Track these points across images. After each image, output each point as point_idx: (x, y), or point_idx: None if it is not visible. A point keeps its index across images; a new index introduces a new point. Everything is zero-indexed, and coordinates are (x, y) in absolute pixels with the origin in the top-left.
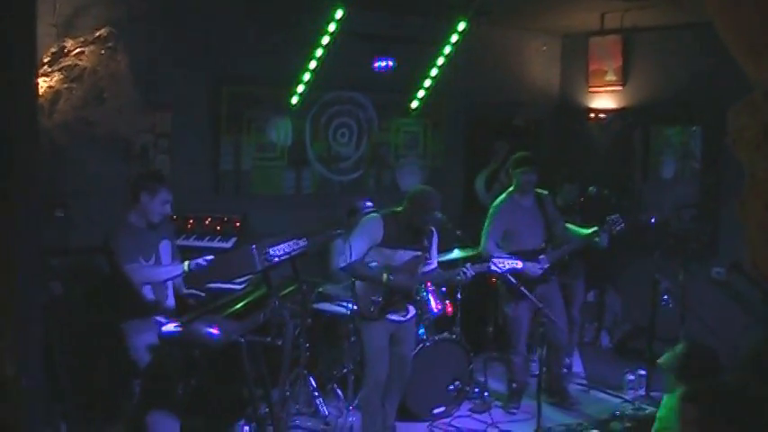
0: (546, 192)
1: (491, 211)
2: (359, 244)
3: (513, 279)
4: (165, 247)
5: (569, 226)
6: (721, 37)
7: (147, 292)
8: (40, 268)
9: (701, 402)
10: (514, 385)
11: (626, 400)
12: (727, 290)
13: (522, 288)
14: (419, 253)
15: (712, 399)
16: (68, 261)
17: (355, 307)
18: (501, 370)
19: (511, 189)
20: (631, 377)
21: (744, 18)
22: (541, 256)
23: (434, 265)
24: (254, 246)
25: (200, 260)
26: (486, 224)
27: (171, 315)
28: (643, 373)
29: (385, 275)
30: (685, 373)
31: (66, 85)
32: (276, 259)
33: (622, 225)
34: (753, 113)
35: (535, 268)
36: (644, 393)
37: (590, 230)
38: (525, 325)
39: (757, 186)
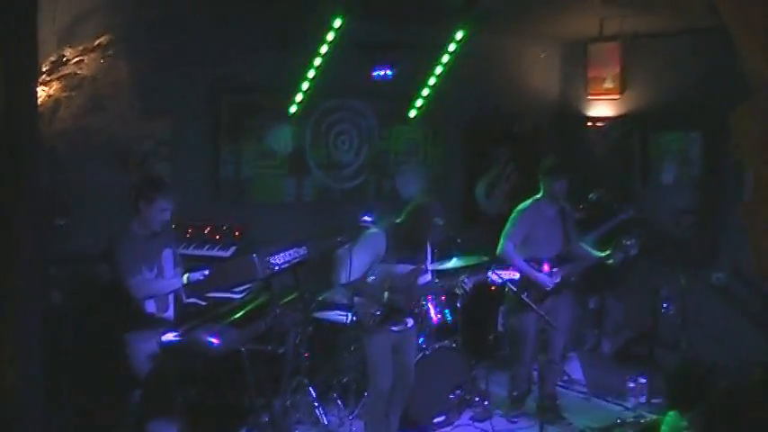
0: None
1: (514, 214)
2: (363, 259)
3: (514, 288)
4: (167, 257)
5: (584, 246)
6: (734, 37)
7: (149, 305)
8: (41, 277)
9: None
10: (515, 393)
11: (627, 408)
12: (728, 295)
13: (524, 297)
14: (416, 265)
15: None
16: (69, 270)
17: (355, 318)
18: (502, 377)
19: (538, 196)
20: (632, 384)
21: (757, 18)
22: (555, 269)
23: (429, 276)
24: (255, 254)
25: (196, 274)
26: (507, 226)
27: (170, 326)
28: (644, 380)
29: (385, 295)
30: (682, 400)
31: (65, 94)
32: (277, 267)
33: (637, 251)
34: (756, 117)
35: (548, 281)
36: (645, 401)
37: (604, 253)
38: (532, 336)
39: (763, 190)
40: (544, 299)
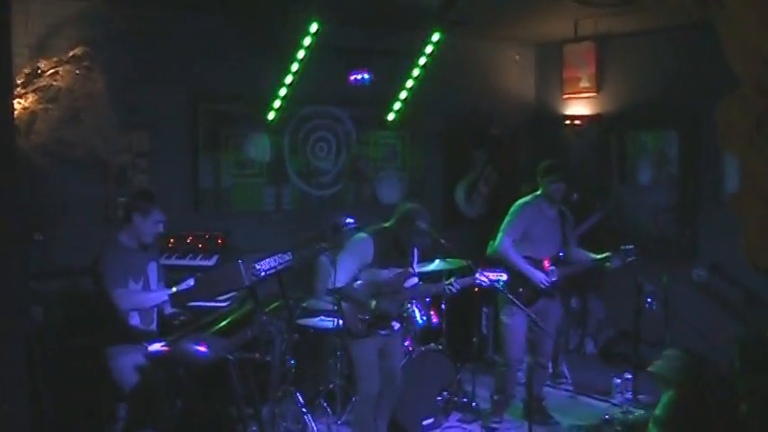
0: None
1: (515, 208)
2: (349, 265)
3: (501, 289)
4: (152, 269)
5: (580, 250)
6: (738, 17)
7: (134, 318)
8: (22, 293)
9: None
10: (496, 397)
11: (614, 405)
12: (708, 291)
13: (513, 298)
14: (403, 269)
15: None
16: (49, 285)
17: (342, 324)
18: (488, 379)
19: (539, 193)
20: (618, 381)
21: None
22: (552, 268)
23: (416, 279)
24: (241, 260)
25: (185, 283)
26: (506, 220)
27: (155, 338)
28: (629, 376)
29: (373, 302)
30: (680, 379)
31: (41, 106)
32: (263, 274)
33: (635, 258)
34: (743, 107)
35: (544, 279)
36: (631, 397)
37: (602, 256)
38: (521, 335)
39: (753, 180)
40: (536, 299)
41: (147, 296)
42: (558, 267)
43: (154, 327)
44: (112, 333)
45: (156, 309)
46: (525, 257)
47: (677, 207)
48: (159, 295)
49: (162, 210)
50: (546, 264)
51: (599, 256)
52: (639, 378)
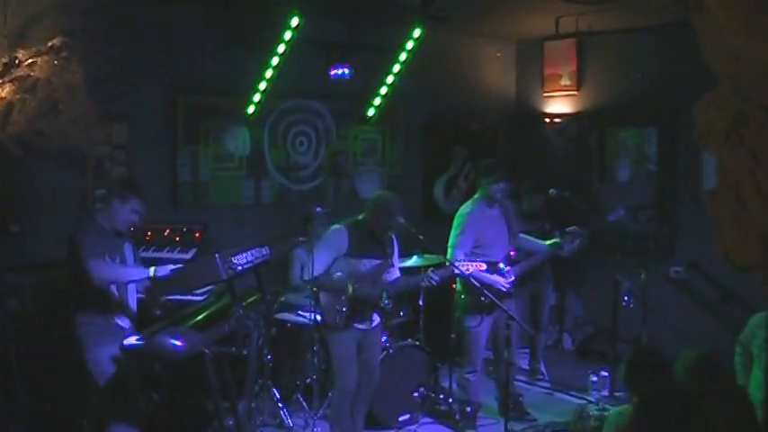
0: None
1: (459, 220)
2: (324, 256)
3: (477, 284)
4: (128, 250)
5: (528, 237)
6: (713, 16)
7: (111, 290)
8: None
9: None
10: (469, 409)
11: (590, 402)
12: (686, 289)
13: (490, 294)
14: (382, 261)
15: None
16: (24, 277)
17: (320, 317)
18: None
19: (476, 196)
20: (595, 378)
21: None
22: (507, 269)
23: (398, 273)
24: (218, 254)
25: (165, 267)
26: (453, 234)
27: (132, 318)
28: (606, 374)
29: (350, 287)
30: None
31: (18, 96)
32: (240, 268)
33: (580, 239)
34: (721, 106)
35: (503, 284)
36: (608, 394)
37: (551, 241)
38: (484, 341)
39: (728, 179)
40: (502, 301)
41: (125, 270)
42: (513, 266)
43: (133, 305)
44: (89, 303)
45: (134, 291)
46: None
47: (656, 204)
48: (138, 272)
49: (142, 200)
50: (501, 265)
51: (549, 242)
52: (616, 375)
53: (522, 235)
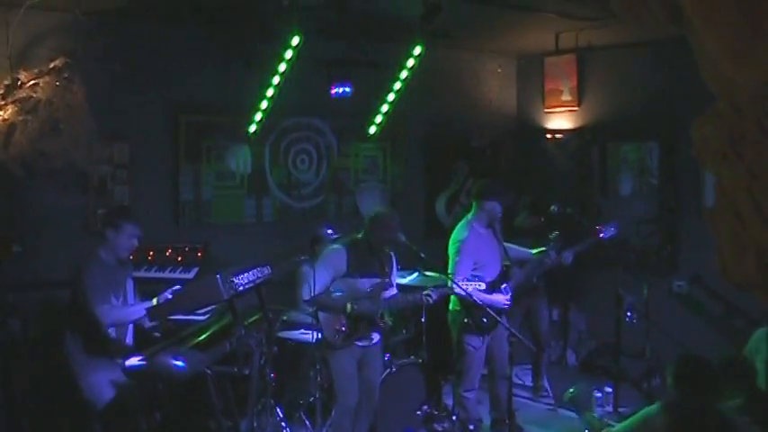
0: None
1: (455, 246)
2: (322, 276)
3: (478, 301)
4: (129, 285)
5: (514, 246)
6: (699, 41)
7: (110, 331)
8: None
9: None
10: (472, 427)
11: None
12: (689, 303)
13: (492, 312)
14: (381, 279)
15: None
16: (28, 297)
17: (320, 335)
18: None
19: (469, 217)
20: (599, 394)
21: (725, 20)
22: (503, 285)
23: (395, 290)
24: (219, 274)
25: (167, 293)
26: (453, 261)
27: (128, 353)
28: (610, 389)
29: (349, 305)
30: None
31: (21, 117)
32: (241, 287)
33: (573, 255)
34: (717, 124)
35: (503, 301)
36: (612, 410)
37: (537, 251)
38: (483, 359)
39: (726, 196)
40: (500, 317)
41: (128, 311)
42: (508, 282)
43: (129, 340)
44: (87, 344)
45: (131, 325)
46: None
47: (658, 219)
48: (139, 309)
49: (137, 224)
50: (498, 286)
51: (535, 251)
52: (620, 390)
53: (507, 245)
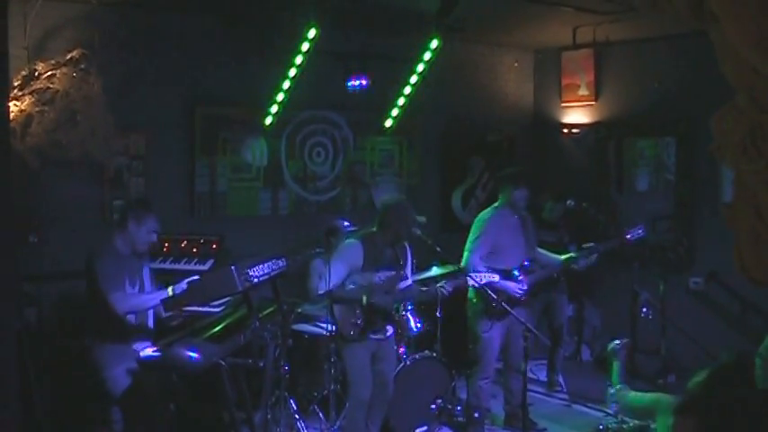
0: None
1: (477, 224)
2: (338, 270)
3: (492, 294)
4: (146, 273)
5: (543, 251)
6: (725, 32)
7: (129, 317)
8: (15, 295)
9: (699, 415)
10: (477, 414)
11: (609, 414)
12: (706, 300)
13: (504, 303)
14: (395, 272)
15: (713, 411)
16: (44, 287)
17: (335, 328)
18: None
19: (497, 204)
20: (613, 390)
21: (751, 11)
22: (521, 277)
23: (410, 282)
24: (233, 266)
25: (182, 284)
26: (470, 238)
27: (151, 337)
28: (625, 386)
29: (364, 297)
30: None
31: (38, 109)
32: (256, 280)
33: (596, 254)
34: (737, 118)
35: (516, 289)
36: None
37: (566, 256)
38: (497, 348)
39: (746, 191)
40: (513, 308)
41: (144, 298)
42: (526, 275)
43: (150, 323)
44: (108, 332)
45: (152, 312)
46: (495, 270)
47: (675, 215)
48: (156, 296)
49: (157, 218)
50: (516, 275)
51: (564, 257)
52: (635, 387)
53: (539, 250)
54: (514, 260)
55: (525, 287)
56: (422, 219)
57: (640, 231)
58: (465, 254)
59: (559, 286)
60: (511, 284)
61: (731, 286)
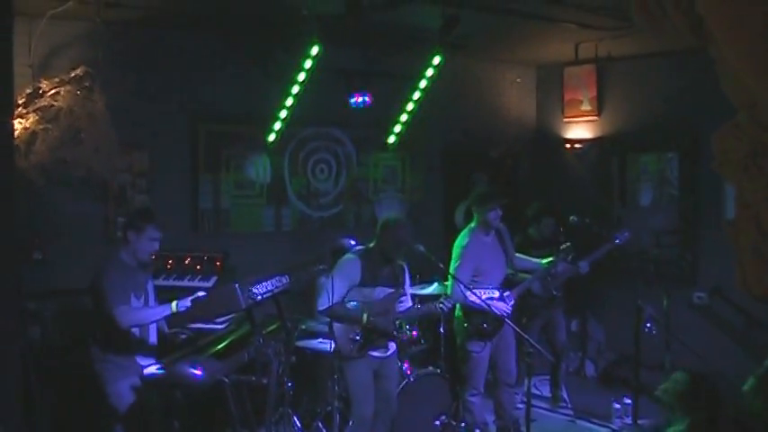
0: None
1: (457, 251)
2: (338, 286)
3: (497, 310)
4: (150, 287)
5: (523, 257)
6: (720, 54)
7: (134, 330)
8: (19, 312)
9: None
10: (477, 431)
11: (613, 430)
12: (709, 315)
13: (507, 320)
14: (394, 290)
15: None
16: (48, 304)
17: (335, 345)
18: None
19: (472, 225)
20: (618, 406)
21: (747, 34)
22: (506, 293)
23: (409, 302)
24: (237, 283)
25: (186, 300)
26: (453, 265)
27: (154, 353)
28: (629, 401)
29: (365, 316)
30: (692, 403)
31: (42, 126)
32: (260, 297)
33: (572, 254)
34: (738, 136)
35: (505, 308)
36: (631, 422)
37: (546, 260)
38: (486, 365)
39: (747, 209)
40: (499, 328)
41: (148, 312)
42: (511, 290)
43: (153, 339)
44: (112, 346)
45: (155, 326)
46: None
47: (678, 229)
48: (161, 310)
49: (158, 227)
50: (498, 294)
51: (544, 261)
52: (640, 402)
53: (517, 255)
54: (497, 278)
55: (511, 301)
56: (419, 247)
57: (626, 234)
58: (449, 282)
59: (556, 303)
60: (499, 306)
61: (735, 301)
